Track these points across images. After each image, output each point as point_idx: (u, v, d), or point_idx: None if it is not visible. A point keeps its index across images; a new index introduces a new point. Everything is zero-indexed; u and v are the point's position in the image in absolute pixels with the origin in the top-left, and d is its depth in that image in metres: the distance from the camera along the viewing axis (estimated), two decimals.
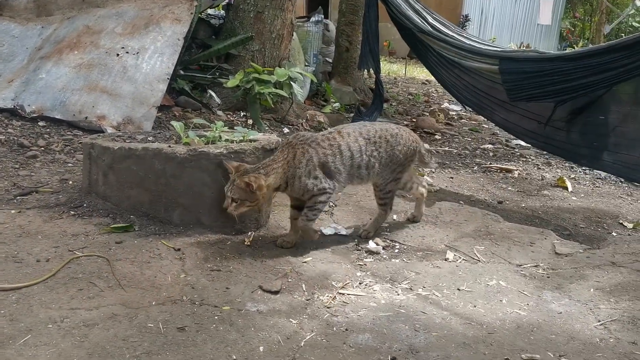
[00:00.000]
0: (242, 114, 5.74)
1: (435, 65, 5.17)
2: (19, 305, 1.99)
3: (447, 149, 5.74)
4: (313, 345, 1.97)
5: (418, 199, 3.26)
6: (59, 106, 4.48)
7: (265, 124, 5.43)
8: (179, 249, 2.59)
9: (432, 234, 3.14)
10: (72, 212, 2.86)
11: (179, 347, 1.88)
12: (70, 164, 3.72)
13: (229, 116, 5.52)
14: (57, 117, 4.44)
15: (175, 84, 5.40)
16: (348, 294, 2.36)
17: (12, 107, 4.44)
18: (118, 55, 4.77)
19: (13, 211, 2.80)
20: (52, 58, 4.78)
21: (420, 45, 5.18)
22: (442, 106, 8.26)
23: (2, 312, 1.93)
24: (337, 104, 6.71)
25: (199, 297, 2.20)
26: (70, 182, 3.32)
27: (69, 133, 4.36)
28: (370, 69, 6.06)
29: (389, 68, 12.50)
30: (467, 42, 4.78)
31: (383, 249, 2.86)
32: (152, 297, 2.16)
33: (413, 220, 3.27)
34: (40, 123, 4.41)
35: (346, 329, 2.09)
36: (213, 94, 5.68)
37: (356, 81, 7.68)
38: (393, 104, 7.95)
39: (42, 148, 3.96)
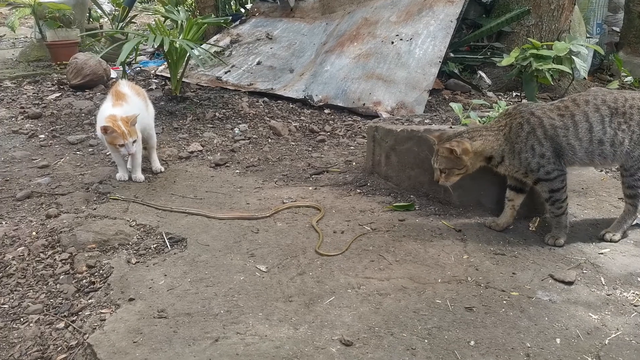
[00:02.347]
0: (514, 94, 5.44)
1: None
2: (322, 269, 2.25)
3: None
4: (620, 345, 1.75)
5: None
6: (341, 95, 4.92)
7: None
8: (459, 230, 2.58)
9: None
10: (358, 191, 3.10)
11: (468, 326, 1.87)
12: (352, 147, 4.05)
13: (499, 97, 5.29)
14: (339, 104, 4.89)
15: (445, 66, 5.40)
16: None
17: (303, 97, 5.04)
18: (392, 43, 4.99)
19: (310, 188, 3.18)
20: (335, 51, 5.27)
21: None
22: None
23: (311, 274, 2.21)
24: (628, 78, 5.83)
25: (484, 280, 2.16)
26: (354, 164, 3.61)
27: (349, 119, 4.75)
28: None
29: None
30: None
31: None
32: (437, 275, 2.20)
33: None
34: (326, 110, 4.90)
35: None
36: (483, 74, 5.51)
37: None
38: None
39: (328, 133, 4.40)
